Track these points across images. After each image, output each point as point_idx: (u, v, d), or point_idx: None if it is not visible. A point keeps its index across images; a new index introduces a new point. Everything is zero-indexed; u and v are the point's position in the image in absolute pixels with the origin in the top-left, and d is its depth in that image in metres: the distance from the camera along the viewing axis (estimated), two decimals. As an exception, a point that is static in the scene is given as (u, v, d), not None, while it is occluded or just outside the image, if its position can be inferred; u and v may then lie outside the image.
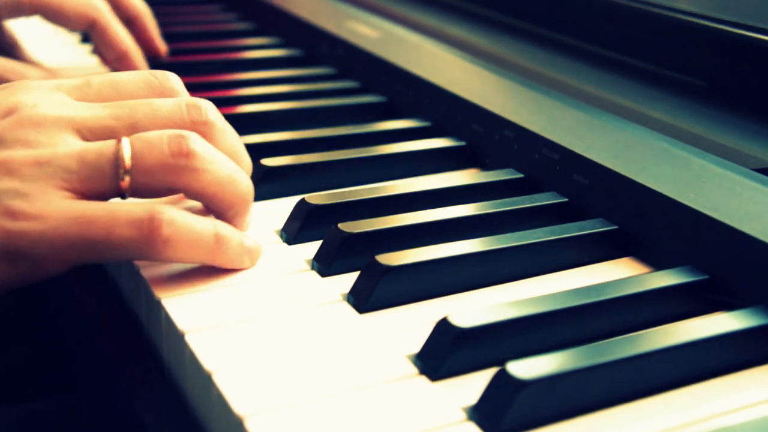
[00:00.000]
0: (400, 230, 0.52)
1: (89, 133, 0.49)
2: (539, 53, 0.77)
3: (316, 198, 0.55)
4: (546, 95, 0.65)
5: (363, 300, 0.47)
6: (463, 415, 0.39)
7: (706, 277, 0.47)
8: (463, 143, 0.66)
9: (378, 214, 0.54)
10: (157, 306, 0.48)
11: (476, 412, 0.39)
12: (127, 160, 0.47)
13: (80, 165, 0.47)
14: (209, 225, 0.48)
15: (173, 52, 0.88)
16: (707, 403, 0.40)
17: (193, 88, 0.74)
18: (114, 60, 0.79)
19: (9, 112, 0.49)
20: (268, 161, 0.60)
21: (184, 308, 0.46)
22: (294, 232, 0.54)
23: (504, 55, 0.77)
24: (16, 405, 0.65)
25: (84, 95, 0.52)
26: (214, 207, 0.51)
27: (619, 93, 0.67)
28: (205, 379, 0.42)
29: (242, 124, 0.69)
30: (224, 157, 0.50)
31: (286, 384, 0.40)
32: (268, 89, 0.77)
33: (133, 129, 0.50)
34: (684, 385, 0.41)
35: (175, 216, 0.47)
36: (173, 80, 0.55)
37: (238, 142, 0.53)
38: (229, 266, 0.50)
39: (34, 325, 0.78)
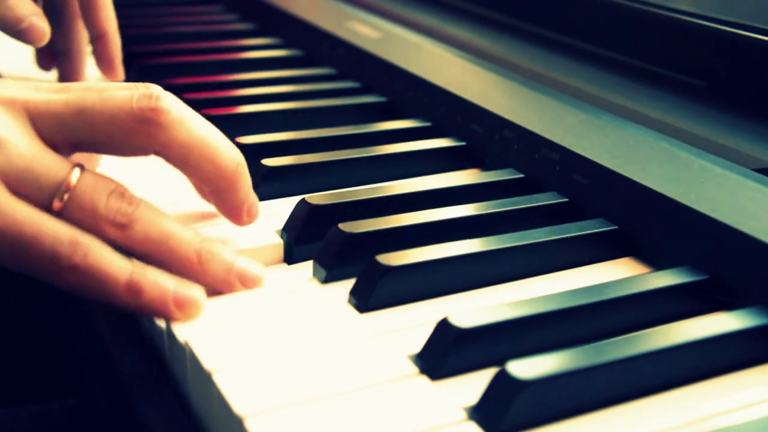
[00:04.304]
0: (401, 230, 0.52)
1: (36, 113, 0.47)
2: (539, 53, 0.77)
3: (316, 198, 0.55)
4: (546, 95, 0.65)
5: (363, 300, 0.47)
6: (464, 415, 0.39)
7: (706, 277, 0.48)
8: (463, 143, 0.66)
9: (378, 214, 0.54)
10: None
11: (477, 412, 0.39)
12: (66, 195, 0.45)
13: (25, 169, 0.45)
14: (126, 266, 0.44)
15: (175, 53, 0.88)
16: (707, 403, 0.40)
17: (194, 88, 0.74)
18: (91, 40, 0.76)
19: None
20: (269, 161, 0.60)
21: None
22: (294, 232, 0.54)
23: (504, 55, 0.77)
24: (18, 406, 0.65)
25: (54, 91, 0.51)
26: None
27: (619, 93, 0.67)
28: (206, 378, 0.42)
29: (243, 124, 0.70)
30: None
31: (287, 383, 0.41)
32: (269, 89, 0.77)
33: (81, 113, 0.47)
34: (684, 385, 0.42)
35: (93, 249, 0.44)
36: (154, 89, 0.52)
37: (205, 134, 0.49)
38: (149, 312, 0.45)
39: (37, 327, 0.78)
